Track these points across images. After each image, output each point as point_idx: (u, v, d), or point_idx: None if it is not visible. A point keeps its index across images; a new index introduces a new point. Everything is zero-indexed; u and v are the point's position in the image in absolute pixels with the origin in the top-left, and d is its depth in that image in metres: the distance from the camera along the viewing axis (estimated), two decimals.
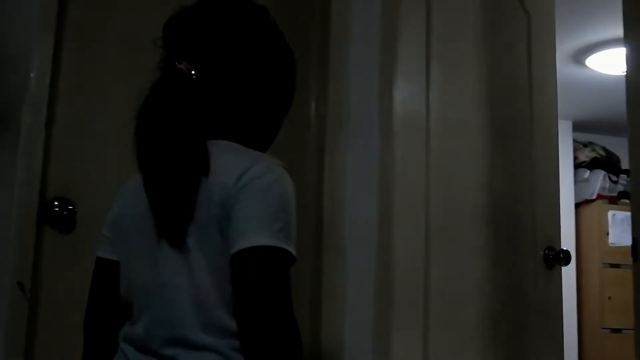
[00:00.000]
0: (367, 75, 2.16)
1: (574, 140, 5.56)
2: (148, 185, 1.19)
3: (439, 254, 2.19)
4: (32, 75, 1.94)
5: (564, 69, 3.96)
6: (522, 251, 2.44)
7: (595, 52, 4.29)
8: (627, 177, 5.02)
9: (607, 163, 5.48)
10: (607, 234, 5.09)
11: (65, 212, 1.99)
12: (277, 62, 1.33)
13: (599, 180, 5.36)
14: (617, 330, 4.84)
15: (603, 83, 4.71)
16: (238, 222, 1.11)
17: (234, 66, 1.27)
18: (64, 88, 2.03)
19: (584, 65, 4.50)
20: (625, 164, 5.27)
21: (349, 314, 2.06)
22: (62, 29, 2.03)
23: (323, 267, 2.09)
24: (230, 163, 1.17)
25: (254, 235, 1.10)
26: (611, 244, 5.03)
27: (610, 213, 5.22)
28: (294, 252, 1.14)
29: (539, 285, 2.46)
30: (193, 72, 1.22)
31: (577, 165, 5.52)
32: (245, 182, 1.13)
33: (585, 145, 5.62)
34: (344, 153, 2.12)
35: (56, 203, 1.97)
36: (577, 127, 5.61)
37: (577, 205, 5.47)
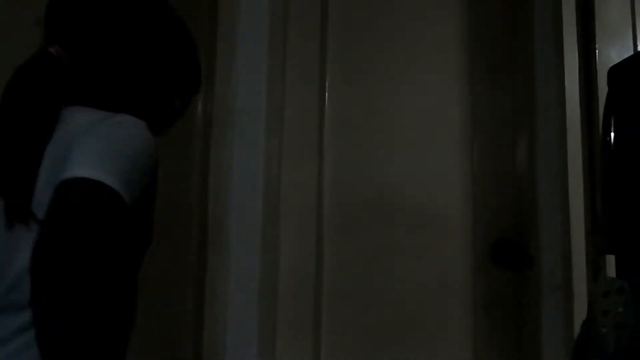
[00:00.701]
0: (255, 70, 2.15)
1: None
2: None
3: (335, 252, 2.19)
4: None
5: None
6: (454, 245, 2.30)
7: None
8: None
9: None
10: None
11: None
12: (159, 38, 1.28)
13: None
14: None
15: None
16: (72, 157, 1.00)
17: (110, 49, 1.22)
18: None
19: None
20: None
21: (233, 315, 2.04)
22: None
23: (207, 267, 2.06)
24: (84, 115, 1.10)
25: (83, 167, 0.97)
26: None
27: None
28: (128, 201, 0.98)
29: (481, 284, 2.29)
30: (63, 57, 1.17)
31: None
32: (93, 125, 1.05)
33: None
34: (230, 150, 2.10)
35: None
36: None
37: None
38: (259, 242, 2.06)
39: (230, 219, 2.07)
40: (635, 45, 2.13)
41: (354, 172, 2.25)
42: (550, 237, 2.20)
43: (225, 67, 2.13)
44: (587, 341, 1.57)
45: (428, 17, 2.39)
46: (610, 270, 1.78)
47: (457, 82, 2.37)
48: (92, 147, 1.01)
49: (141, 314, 2.11)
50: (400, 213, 2.26)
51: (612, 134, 1.58)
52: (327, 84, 2.27)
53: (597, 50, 2.10)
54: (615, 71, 1.62)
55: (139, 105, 1.24)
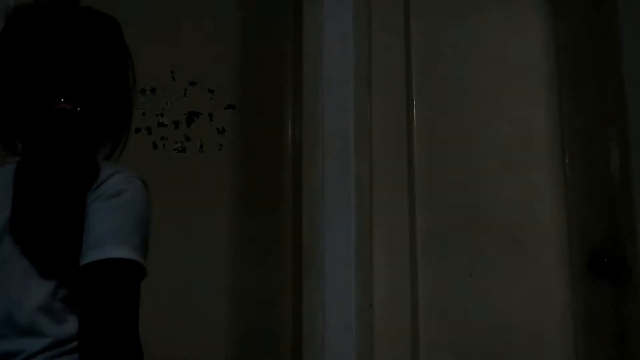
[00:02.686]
0: (342, 91, 2.17)
1: None
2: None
3: (429, 270, 2.17)
4: None
5: None
6: (549, 260, 2.25)
7: None
8: None
9: None
10: None
11: None
12: (127, 75, 1.33)
13: None
14: None
15: None
16: (94, 232, 1.10)
17: (108, 92, 1.26)
18: None
19: None
20: None
21: (330, 336, 2.05)
22: None
23: (303, 289, 2.08)
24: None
25: (111, 247, 1.09)
26: None
27: None
28: (146, 266, 1.12)
29: (579, 299, 2.23)
30: (79, 108, 1.20)
31: None
32: (103, 191, 1.12)
33: None
34: (321, 172, 2.12)
35: None
36: None
37: None
38: (353, 262, 2.08)
39: (324, 240, 2.09)
40: None
41: (444, 190, 2.24)
42: None
43: (312, 90, 2.16)
44: None
45: (512, 28, 2.38)
46: None
47: (544, 93, 2.35)
48: (113, 223, 1.11)
49: (243, 341, 2.17)
50: (493, 229, 2.24)
51: None
52: (414, 101, 2.28)
53: None
54: None
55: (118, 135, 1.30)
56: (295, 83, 2.27)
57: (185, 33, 2.29)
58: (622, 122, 2.25)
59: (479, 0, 2.39)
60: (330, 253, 2.08)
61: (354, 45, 2.19)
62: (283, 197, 2.23)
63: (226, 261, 2.19)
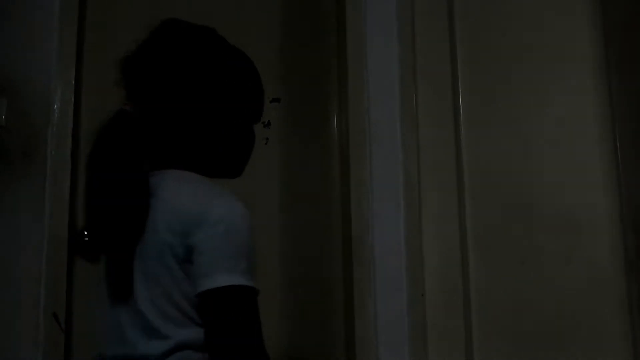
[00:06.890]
0: (387, 83, 2.16)
1: None
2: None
3: (480, 259, 2.16)
4: (55, 107, 1.99)
5: None
6: (603, 246, 2.18)
7: None
8: None
9: None
10: None
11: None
12: (226, 86, 1.34)
13: None
14: None
15: None
16: (203, 261, 1.16)
17: (180, 105, 1.29)
18: (87, 118, 2.05)
19: None
20: None
21: (382, 327, 2.05)
22: (81, 59, 2.06)
23: (354, 282, 2.08)
24: (186, 194, 1.21)
25: (219, 276, 1.15)
26: None
27: None
28: (257, 287, 1.18)
29: (635, 285, 2.15)
30: (135, 113, 1.26)
31: None
32: (208, 219, 1.17)
33: None
34: (369, 165, 2.11)
35: (86, 232, 1.98)
36: None
37: None
38: (403, 253, 2.07)
39: (374, 232, 2.08)
40: None
41: (493, 178, 2.21)
42: None
43: (357, 81, 2.16)
44: None
45: (559, 12, 2.32)
46: None
47: (592, 79, 2.29)
48: (221, 251, 1.17)
49: (295, 335, 2.17)
50: (544, 217, 2.19)
51: None
52: (460, 91, 2.25)
53: None
54: None
55: (219, 153, 1.36)
56: (340, 75, 2.26)
57: (229, 26, 2.29)
58: None
59: None
60: (380, 244, 2.08)
61: (398, 33, 2.18)
62: (331, 190, 2.23)
63: (274, 256, 2.19)
